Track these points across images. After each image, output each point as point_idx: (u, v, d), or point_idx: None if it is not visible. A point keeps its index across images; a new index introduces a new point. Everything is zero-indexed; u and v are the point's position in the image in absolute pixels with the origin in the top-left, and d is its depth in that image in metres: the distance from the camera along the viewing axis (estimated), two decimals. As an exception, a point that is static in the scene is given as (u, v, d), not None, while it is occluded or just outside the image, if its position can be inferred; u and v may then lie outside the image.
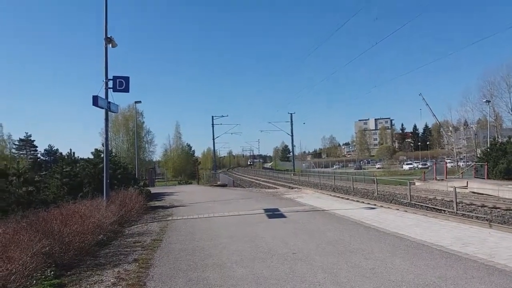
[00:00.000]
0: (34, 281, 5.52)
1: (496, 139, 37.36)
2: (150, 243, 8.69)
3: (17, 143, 75.35)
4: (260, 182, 46.06)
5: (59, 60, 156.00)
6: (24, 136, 76.87)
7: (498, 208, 16.18)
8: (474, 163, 33.94)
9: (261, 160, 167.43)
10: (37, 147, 78.88)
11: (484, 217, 13.99)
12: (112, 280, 5.87)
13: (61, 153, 18.17)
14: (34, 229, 6.67)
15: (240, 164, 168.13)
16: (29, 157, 72.02)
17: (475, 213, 15.27)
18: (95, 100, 11.23)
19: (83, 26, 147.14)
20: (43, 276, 5.86)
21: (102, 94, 11.95)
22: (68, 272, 6.45)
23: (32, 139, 77.88)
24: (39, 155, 76.91)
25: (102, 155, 17.38)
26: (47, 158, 73.12)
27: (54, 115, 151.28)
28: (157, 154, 79.17)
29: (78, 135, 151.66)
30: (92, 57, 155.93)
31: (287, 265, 6.29)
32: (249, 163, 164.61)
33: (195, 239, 8.96)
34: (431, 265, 5.95)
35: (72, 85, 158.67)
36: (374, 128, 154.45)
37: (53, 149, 75.35)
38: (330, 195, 22.63)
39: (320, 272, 5.81)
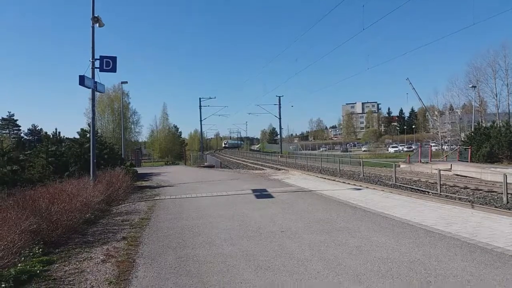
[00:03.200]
0: (23, 258, 5.51)
1: (480, 123, 38.00)
2: (138, 221, 8.70)
3: (-1, 122, 73.90)
4: (248, 164, 46.16)
5: (43, 38, 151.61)
6: (7, 116, 75.37)
7: (480, 190, 16.58)
8: (458, 146, 34.56)
9: (239, 142, 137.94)
10: (20, 126, 77.49)
11: (467, 199, 14.32)
12: (101, 257, 5.88)
13: (46, 133, 17.88)
14: (21, 207, 6.61)
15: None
16: (12, 136, 70.67)
17: (458, 195, 15.62)
18: (82, 80, 11.03)
19: (70, 6, 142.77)
20: (31, 253, 5.85)
21: (88, 74, 11.74)
22: (57, 250, 6.45)
23: (15, 119, 76.39)
24: (22, 134, 75.55)
25: (88, 135, 17.20)
26: (30, 138, 71.95)
27: (37, 96, 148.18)
28: (143, 135, 78.67)
29: (62, 116, 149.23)
30: (77, 38, 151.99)
31: (275, 243, 6.38)
32: (224, 144, 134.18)
33: (184, 218, 9.00)
34: (415, 243, 6.11)
35: (55, 65, 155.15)
36: (361, 112, 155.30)
37: (37, 128, 74.14)
38: (317, 176, 22.84)
39: (308, 249, 5.92)
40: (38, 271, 5.20)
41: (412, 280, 4.45)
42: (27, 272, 5.11)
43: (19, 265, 5.26)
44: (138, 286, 4.59)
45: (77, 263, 5.67)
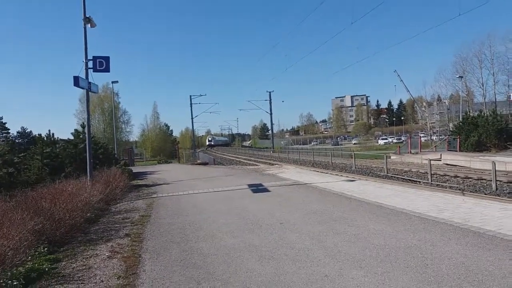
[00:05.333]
0: (29, 257, 5.62)
1: (468, 113, 38.57)
2: (139, 219, 8.83)
3: (-13, 125, 72.87)
4: (241, 160, 46.30)
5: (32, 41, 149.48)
6: (-5, 119, 74.28)
7: (470, 178, 16.97)
8: (447, 136, 35.12)
9: (226, 139, 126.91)
10: (9, 129, 76.50)
11: (457, 187, 14.67)
12: (107, 254, 6.02)
13: (39, 135, 17.80)
14: (24, 207, 6.70)
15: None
16: (1, 139, 69.82)
17: (448, 183, 15.98)
18: (76, 81, 11.09)
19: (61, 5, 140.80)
20: (37, 253, 5.96)
21: (82, 75, 11.80)
22: (61, 248, 6.58)
23: (3, 121, 75.37)
24: (11, 137, 74.59)
25: (81, 136, 17.21)
26: (20, 141, 71.14)
27: (25, 98, 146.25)
28: (134, 134, 78.15)
29: (51, 118, 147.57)
30: (64, 39, 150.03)
31: (275, 234, 6.58)
32: (208, 141, 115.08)
33: (183, 214, 9.15)
34: (410, 229, 6.35)
35: (44, 66, 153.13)
36: (350, 105, 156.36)
37: (26, 131, 73.32)
38: (310, 170, 23.08)
39: (308, 239, 6.13)
40: (46, 269, 5.33)
41: (410, 263, 4.68)
42: (36, 270, 5.24)
43: (28, 263, 5.38)
44: (147, 279, 4.74)
45: (84, 260, 5.81)
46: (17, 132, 75.17)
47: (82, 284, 4.74)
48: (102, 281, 4.80)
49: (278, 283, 4.32)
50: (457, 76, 48.58)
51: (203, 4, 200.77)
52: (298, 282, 4.30)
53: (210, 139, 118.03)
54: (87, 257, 5.92)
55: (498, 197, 10.46)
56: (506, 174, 16.42)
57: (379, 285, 4.06)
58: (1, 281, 4.52)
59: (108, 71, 12.14)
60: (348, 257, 5.08)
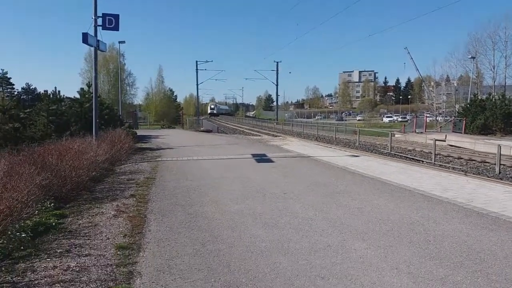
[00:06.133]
0: (36, 212, 5.69)
1: (476, 95, 38.12)
2: (144, 180, 8.91)
3: (-8, 79, 72.72)
4: (244, 130, 46.35)
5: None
6: (0, 73, 73.96)
7: (474, 160, 16.97)
8: (453, 117, 34.87)
9: (228, 108, 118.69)
10: (14, 84, 76.37)
11: (460, 168, 14.68)
12: (112, 213, 6.09)
13: (45, 91, 17.73)
14: (32, 162, 6.74)
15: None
16: (6, 94, 69.77)
17: (452, 165, 16.00)
18: (85, 38, 10.94)
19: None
20: (44, 208, 6.03)
21: (91, 32, 11.61)
22: (67, 205, 6.66)
23: (8, 76, 75.12)
24: (15, 93, 74.55)
25: (87, 95, 17.14)
26: (25, 97, 71.09)
27: (31, 54, 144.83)
28: (138, 97, 77.93)
29: (56, 75, 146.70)
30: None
31: (279, 203, 6.64)
32: (210, 109, 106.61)
33: (188, 178, 9.22)
34: (414, 206, 6.39)
35: (49, 23, 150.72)
36: (358, 80, 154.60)
37: (31, 87, 73.14)
38: (314, 143, 23.08)
39: (311, 210, 6.18)
40: (53, 223, 5.42)
41: (412, 239, 4.72)
42: (43, 224, 5.33)
43: (35, 217, 5.46)
44: (152, 239, 4.82)
45: (90, 217, 5.89)
46: (22, 88, 75.11)
47: (89, 240, 4.82)
48: (108, 239, 4.88)
49: (282, 249, 4.39)
50: (469, 56, 47.67)
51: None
52: (301, 250, 4.36)
53: (212, 106, 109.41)
54: (93, 215, 6.00)
55: (501, 181, 10.48)
56: (511, 158, 16.38)
57: (382, 258, 4.12)
58: (10, 232, 4.60)
59: (117, 30, 11.95)
60: (351, 229, 5.13)
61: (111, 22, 11.66)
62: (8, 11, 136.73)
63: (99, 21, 11.79)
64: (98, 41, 11.94)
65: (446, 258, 4.09)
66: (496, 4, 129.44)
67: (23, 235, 4.68)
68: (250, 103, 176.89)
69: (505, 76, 47.21)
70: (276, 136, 31.93)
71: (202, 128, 43.40)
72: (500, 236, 4.79)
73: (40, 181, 6.10)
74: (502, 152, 14.47)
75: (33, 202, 5.64)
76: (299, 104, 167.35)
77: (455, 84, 58.80)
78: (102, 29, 11.88)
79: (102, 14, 11.81)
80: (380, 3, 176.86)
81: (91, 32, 11.63)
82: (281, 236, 4.86)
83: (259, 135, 33.68)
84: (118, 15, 11.84)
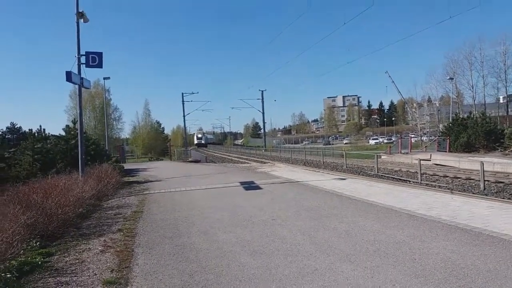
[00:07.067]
0: (22, 251, 5.62)
1: (458, 115, 39.07)
2: (131, 214, 8.85)
3: (-25, 120, 71.84)
4: (233, 158, 46.34)
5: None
6: (-17, 114, 73.20)
7: (459, 178, 17.25)
8: (437, 137, 35.56)
9: (206, 136, 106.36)
10: (-3, 124, 75.37)
11: (446, 186, 14.91)
12: (99, 248, 6.04)
13: (30, 130, 17.67)
14: (16, 201, 6.69)
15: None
16: (-11, 135, 68.88)
17: (438, 183, 16.24)
18: (69, 76, 11.06)
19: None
20: (29, 247, 5.96)
21: (75, 70, 11.77)
22: (54, 243, 6.57)
23: (-8, 117, 74.31)
24: (0, 132, 73.58)
25: (73, 132, 17.11)
26: (9, 136, 70.18)
27: (13, 93, 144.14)
28: (125, 131, 77.68)
29: (41, 114, 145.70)
30: (53, 34, 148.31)
31: (268, 230, 6.66)
32: (197, 139, 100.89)
33: (176, 210, 9.20)
34: (400, 226, 6.48)
35: (32, 62, 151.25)
36: (342, 105, 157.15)
37: (16, 126, 72.30)
38: (302, 168, 23.22)
39: (299, 235, 6.22)
40: (39, 262, 5.34)
41: (398, 258, 4.79)
42: (29, 264, 5.25)
43: (20, 257, 5.39)
44: (140, 273, 4.79)
45: (77, 254, 5.82)
46: (6, 128, 73.94)
47: (76, 277, 4.77)
48: (95, 274, 4.83)
49: (270, 276, 4.41)
50: (448, 77, 49.16)
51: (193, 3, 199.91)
52: (290, 275, 4.39)
53: (200, 136, 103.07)
54: (80, 251, 5.94)
55: (486, 197, 10.68)
56: (494, 175, 16.73)
57: (368, 278, 4.17)
58: (-6, 273, 4.54)
59: (101, 67, 12.13)
60: (339, 252, 5.18)
61: (94, 60, 11.86)
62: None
63: (83, 59, 11.98)
64: (82, 78, 12.08)
65: (431, 275, 4.16)
66: (470, 27, 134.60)
67: (8, 275, 4.61)
68: (238, 131, 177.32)
69: (484, 94, 48.71)
70: (264, 162, 32.01)
71: (190, 159, 43.32)
72: (483, 251, 4.88)
73: (25, 220, 6.06)
74: (485, 168, 14.79)
75: (18, 242, 5.58)
76: (287, 130, 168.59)
77: (437, 105, 60.27)
78: (86, 67, 12.06)
79: (86, 52, 12.01)
80: (358, 31, 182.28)
81: (75, 70, 11.79)
82: (269, 263, 4.88)
83: (248, 163, 33.72)
84: (101, 53, 12.07)
